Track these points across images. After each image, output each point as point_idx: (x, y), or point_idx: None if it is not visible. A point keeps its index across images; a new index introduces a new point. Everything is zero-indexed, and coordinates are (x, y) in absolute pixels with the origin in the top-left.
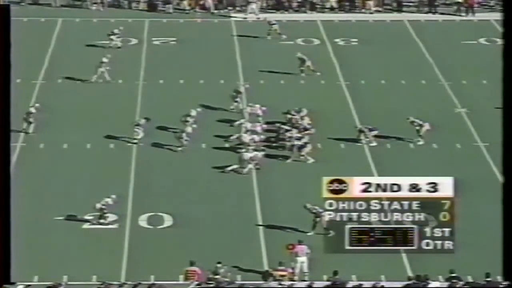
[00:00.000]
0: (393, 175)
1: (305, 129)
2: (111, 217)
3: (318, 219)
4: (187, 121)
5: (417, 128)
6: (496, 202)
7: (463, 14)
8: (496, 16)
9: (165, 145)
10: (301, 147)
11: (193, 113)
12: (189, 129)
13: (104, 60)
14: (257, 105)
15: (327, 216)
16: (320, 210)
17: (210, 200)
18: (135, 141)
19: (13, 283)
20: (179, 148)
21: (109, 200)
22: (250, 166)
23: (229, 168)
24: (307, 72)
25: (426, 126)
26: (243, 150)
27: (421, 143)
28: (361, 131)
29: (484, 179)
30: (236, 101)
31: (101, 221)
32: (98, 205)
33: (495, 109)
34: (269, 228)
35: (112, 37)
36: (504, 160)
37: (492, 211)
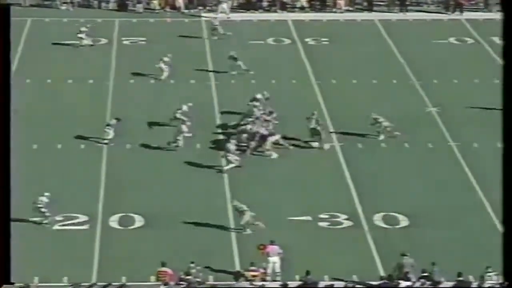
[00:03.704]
0: (364, 176)
1: (270, 112)
2: (82, 217)
3: (242, 215)
4: (179, 119)
5: (378, 124)
6: (468, 201)
7: (449, 12)
8: (485, 15)
9: (152, 146)
10: (265, 136)
11: (179, 114)
12: (184, 128)
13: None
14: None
15: (248, 215)
16: (246, 208)
17: (182, 200)
18: (105, 141)
19: (13, 283)
20: (174, 145)
21: (43, 199)
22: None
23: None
24: (238, 71)
25: (386, 123)
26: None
27: (381, 138)
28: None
29: (456, 179)
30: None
31: (44, 221)
32: (34, 205)
33: (466, 108)
34: (241, 227)
35: (80, 35)
36: (504, 160)
37: (465, 210)
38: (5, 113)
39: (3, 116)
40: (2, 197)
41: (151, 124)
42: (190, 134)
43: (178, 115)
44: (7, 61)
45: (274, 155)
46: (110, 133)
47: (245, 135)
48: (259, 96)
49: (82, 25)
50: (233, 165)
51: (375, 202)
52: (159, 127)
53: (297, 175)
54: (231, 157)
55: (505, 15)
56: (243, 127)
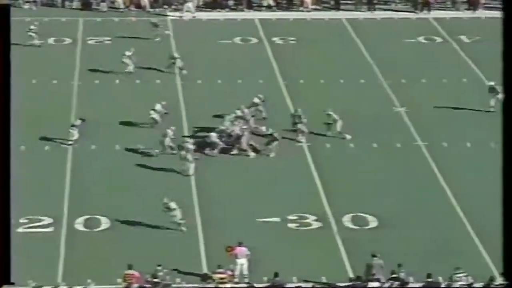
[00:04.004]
0: (332, 176)
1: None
2: (46, 220)
3: (171, 213)
4: (153, 119)
5: (331, 122)
6: (437, 201)
7: (417, 11)
8: (452, 14)
9: (133, 149)
10: (238, 138)
11: (153, 113)
12: (170, 132)
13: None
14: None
15: (179, 213)
16: (174, 207)
17: (148, 202)
18: (70, 142)
19: (13, 283)
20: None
21: None
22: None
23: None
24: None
25: (339, 123)
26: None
27: (330, 134)
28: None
29: (425, 179)
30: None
31: None
32: None
33: (434, 108)
34: (208, 229)
35: (30, 34)
36: (504, 160)
37: (434, 210)
38: (5, 114)
39: (3, 116)
40: (2, 197)
41: (117, 124)
42: (173, 137)
43: (152, 115)
44: (7, 61)
45: (252, 155)
46: (75, 134)
47: (223, 136)
48: (257, 100)
49: (46, 24)
50: (192, 165)
51: (344, 203)
52: (125, 127)
53: (266, 176)
54: (189, 156)
55: (505, 15)
56: (223, 128)
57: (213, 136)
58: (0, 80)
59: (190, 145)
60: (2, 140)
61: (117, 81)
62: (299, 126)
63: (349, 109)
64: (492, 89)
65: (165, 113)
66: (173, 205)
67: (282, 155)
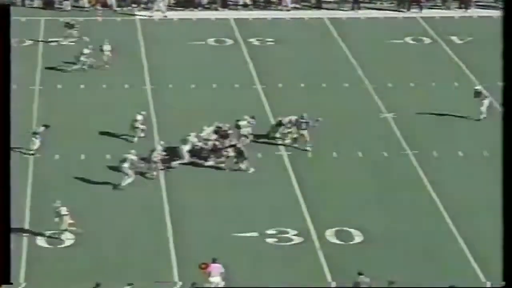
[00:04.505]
0: (314, 188)
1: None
2: None
3: (58, 219)
4: (137, 128)
5: (282, 128)
6: (427, 215)
7: (405, 10)
8: (442, 13)
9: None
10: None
11: (139, 117)
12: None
13: None
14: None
15: (67, 220)
16: (64, 213)
17: (115, 215)
18: (31, 152)
19: (12, 283)
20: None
21: None
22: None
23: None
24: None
25: (292, 129)
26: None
27: (287, 141)
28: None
29: (414, 190)
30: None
31: None
32: None
33: (424, 113)
34: (181, 245)
35: None
36: (504, 159)
37: (423, 224)
38: (5, 114)
39: (3, 116)
40: (2, 197)
41: (83, 131)
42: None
43: (136, 124)
44: (7, 61)
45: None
46: (36, 143)
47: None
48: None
49: None
50: (130, 179)
51: (327, 217)
52: (92, 135)
53: (242, 188)
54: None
55: (505, 15)
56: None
57: (184, 148)
58: (0, 80)
59: (133, 156)
60: (2, 140)
61: (82, 85)
62: (303, 132)
63: (332, 115)
64: (477, 94)
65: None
66: (63, 210)
67: (261, 166)
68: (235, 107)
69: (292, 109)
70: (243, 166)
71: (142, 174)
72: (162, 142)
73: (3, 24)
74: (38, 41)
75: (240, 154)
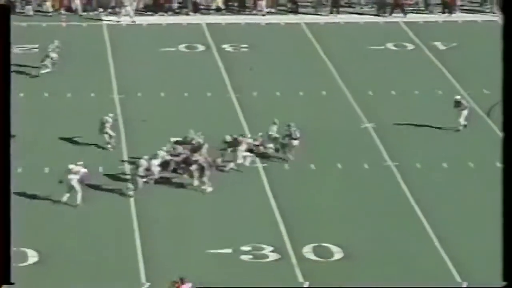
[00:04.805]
0: (291, 202)
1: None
2: None
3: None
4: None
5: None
6: (409, 229)
7: (386, 14)
8: (425, 17)
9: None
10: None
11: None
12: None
13: None
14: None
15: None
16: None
17: (83, 233)
18: None
19: (13, 283)
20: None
21: None
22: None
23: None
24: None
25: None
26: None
27: (291, 158)
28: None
29: (396, 204)
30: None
31: None
32: None
33: (406, 123)
34: (151, 262)
35: None
36: (504, 161)
37: (406, 239)
38: (5, 114)
39: (3, 116)
40: (2, 197)
41: (47, 142)
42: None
43: (107, 130)
44: (7, 61)
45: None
46: None
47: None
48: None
49: None
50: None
51: (305, 232)
52: (55, 145)
53: (215, 202)
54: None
55: (505, 15)
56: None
57: (154, 162)
58: (0, 80)
59: (82, 168)
60: (2, 141)
61: (46, 94)
62: (294, 142)
63: (309, 125)
64: (457, 104)
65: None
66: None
67: (235, 178)
68: (207, 117)
69: (267, 119)
70: (201, 185)
71: (114, 191)
72: (145, 157)
73: (3, 24)
74: None
75: (201, 171)
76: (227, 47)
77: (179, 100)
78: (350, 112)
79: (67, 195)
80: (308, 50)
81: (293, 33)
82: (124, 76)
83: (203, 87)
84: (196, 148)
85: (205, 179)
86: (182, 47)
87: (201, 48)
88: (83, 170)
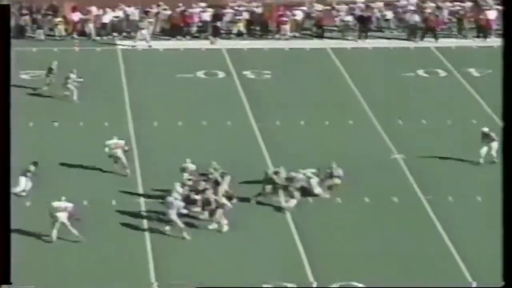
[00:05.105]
0: (316, 238)
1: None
2: None
3: None
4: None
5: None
6: (442, 267)
7: (417, 39)
8: (459, 42)
9: None
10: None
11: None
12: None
13: None
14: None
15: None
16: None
17: (87, 273)
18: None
19: (12, 283)
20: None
21: None
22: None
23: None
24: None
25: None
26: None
27: (327, 195)
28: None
29: (428, 240)
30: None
31: None
32: None
33: (437, 155)
34: None
35: None
36: (504, 156)
37: (439, 278)
38: (5, 114)
39: (3, 116)
40: (2, 197)
41: (60, 172)
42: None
43: (114, 152)
44: (7, 61)
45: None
46: (26, 184)
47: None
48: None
49: None
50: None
51: (330, 270)
52: (70, 175)
53: (236, 239)
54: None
55: (505, 15)
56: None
57: (171, 198)
58: (0, 80)
59: (67, 203)
60: (2, 140)
61: (56, 123)
62: (335, 180)
63: (336, 156)
64: (485, 136)
65: (125, 150)
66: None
67: (257, 214)
68: (227, 148)
69: (291, 150)
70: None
71: (128, 225)
72: (177, 193)
73: (3, 24)
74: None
75: (208, 205)
76: (248, 73)
77: (197, 130)
78: (378, 143)
79: (54, 232)
80: (335, 77)
81: (319, 58)
82: (139, 103)
83: (223, 115)
84: (216, 182)
85: (219, 216)
86: (200, 74)
87: (221, 74)
88: (70, 205)
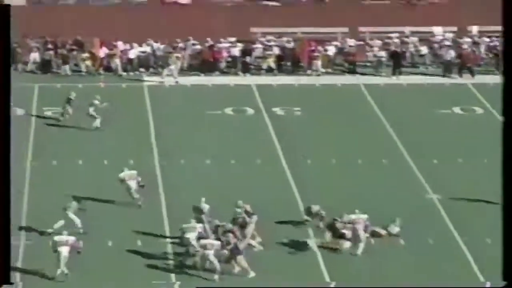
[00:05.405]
0: (349, 281)
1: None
2: None
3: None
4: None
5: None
6: None
7: (454, 75)
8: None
9: None
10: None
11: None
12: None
13: None
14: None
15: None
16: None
17: None
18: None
19: (12, 283)
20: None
21: None
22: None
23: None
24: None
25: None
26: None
27: (347, 246)
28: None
29: (466, 284)
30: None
31: None
32: None
33: (474, 195)
34: None
35: None
36: (504, 159)
37: None
38: (5, 114)
39: (3, 116)
40: (2, 197)
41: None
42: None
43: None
44: (7, 61)
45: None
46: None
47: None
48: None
49: None
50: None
51: None
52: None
53: (265, 280)
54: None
55: (505, 16)
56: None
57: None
58: (0, 80)
59: (68, 237)
60: (2, 141)
61: (80, 161)
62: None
63: (369, 196)
64: None
65: (141, 185)
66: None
67: (287, 259)
68: (256, 187)
69: (323, 190)
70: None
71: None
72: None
73: (3, 24)
74: (32, 115)
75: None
76: (278, 110)
77: (225, 168)
78: (413, 182)
79: (62, 267)
80: (367, 114)
81: (351, 95)
82: (166, 141)
83: (252, 153)
84: (243, 224)
85: (243, 263)
86: (229, 110)
87: (250, 111)
88: (71, 238)
